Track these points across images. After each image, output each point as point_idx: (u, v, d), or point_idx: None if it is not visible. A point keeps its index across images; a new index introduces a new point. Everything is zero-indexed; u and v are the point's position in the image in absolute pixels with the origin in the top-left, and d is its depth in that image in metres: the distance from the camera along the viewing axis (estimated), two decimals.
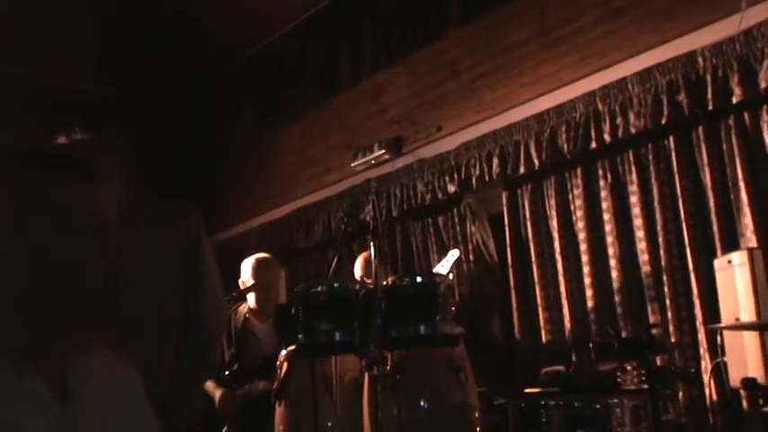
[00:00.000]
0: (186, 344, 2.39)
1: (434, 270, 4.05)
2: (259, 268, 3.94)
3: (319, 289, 2.65)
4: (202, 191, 6.83)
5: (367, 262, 4.10)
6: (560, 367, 3.34)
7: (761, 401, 2.88)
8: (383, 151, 5.21)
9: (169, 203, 2.48)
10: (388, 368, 2.50)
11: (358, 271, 4.18)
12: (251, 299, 3.94)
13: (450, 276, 3.98)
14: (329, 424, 2.67)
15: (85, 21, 6.11)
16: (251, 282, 3.88)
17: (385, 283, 2.63)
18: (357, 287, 2.65)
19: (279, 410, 2.82)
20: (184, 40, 6.43)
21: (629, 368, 2.93)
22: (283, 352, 2.98)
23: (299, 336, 2.63)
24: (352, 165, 5.41)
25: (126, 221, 2.24)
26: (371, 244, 2.91)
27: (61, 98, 5.73)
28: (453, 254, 4.19)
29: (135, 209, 2.38)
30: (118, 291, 1.12)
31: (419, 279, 2.65)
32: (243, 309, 3.95)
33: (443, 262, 4.15)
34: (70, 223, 1.08)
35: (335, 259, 3.19)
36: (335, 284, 2.67)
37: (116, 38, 6.29)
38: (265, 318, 3.88)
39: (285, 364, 2.89)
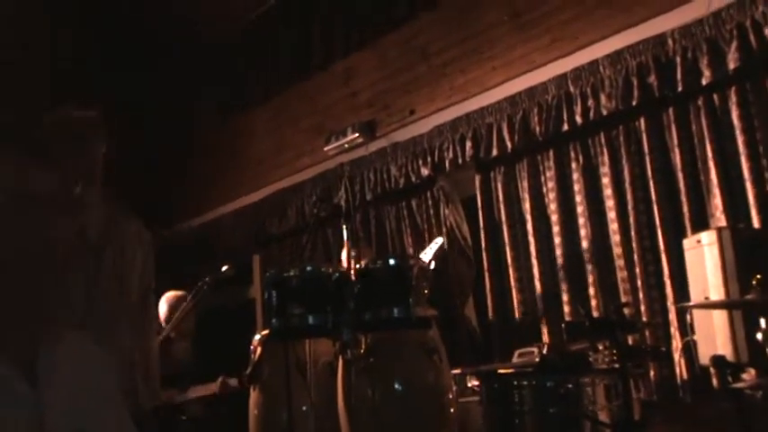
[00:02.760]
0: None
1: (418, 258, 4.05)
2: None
3: (292, 273, 2.63)
4: (172, 176, 6.76)
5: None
6: (533, 348, 3.36)
7: (729, 378, 2.92)
8: (356, 135, 5.19)
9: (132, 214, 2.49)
10: (362, 351, 2.50)
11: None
12: None
13: (432, 264, 3.97)
14: (303, 408, 2.67)
15: None
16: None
17: (358, 266, 2.63)
18: (330, 270, 2.65)
19: (253, 395, 2.81)
20: (153, 22, 6.33)
21: (600, 347, 2.95)
22: (257, 336, 2.98)
23: (272, 320, 2.61)
24: (326, 149, 5.37)
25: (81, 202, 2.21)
26: (344, 228, 2.90)
27: (20, 74, 5.62)
28: (437, 241, 4.19)
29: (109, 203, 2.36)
30: (74, 268, 1.12)
31: (392, 262, 2.64)
32: None
33: (427, 250, 4.15)
34: (20, 202, 1.07)
35: (307, 243, 3.18)
36: (308, 268, 2.65)
37: (80, 18, 6.16)
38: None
39: (259, 349, 2.88)
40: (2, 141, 1.12)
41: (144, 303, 2.44)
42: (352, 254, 2.64)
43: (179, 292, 4.30)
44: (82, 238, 2.21)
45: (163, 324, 4.16)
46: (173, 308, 4.21)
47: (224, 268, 4.06)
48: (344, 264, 3.94)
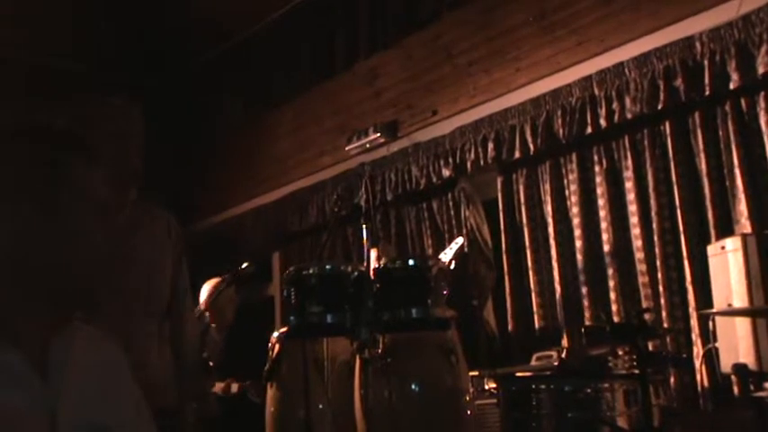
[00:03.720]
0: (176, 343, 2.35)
1: (438, 258, 4.04)
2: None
3: (311, 271, 2.64)
4: (195, 174, 6.80)
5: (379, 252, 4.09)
6: (552, 352, 3.34)
7: (751, 387, 2.88)
8: (378, 134, 5.18)
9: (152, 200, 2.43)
10: (380, 351, 2.50)
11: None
12: None
13: (452, 265, 3.96)
14: (320, 406, 2.67)
15: None
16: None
17: (377, 266, 2.62)
18: (349, 269, 2.65)
19: (270, 392, 2.81)
20: (178, 20, 6.37)
21: (620, 353, 2.93)
22: (275, 334, 2.98)
23: (291, 317, 2.62)
24: (347, 148, 5.38)
25: (124, 203, 2.20)
26: (363, 228, 2.90)
27: (38, 76, 5.68)
28: (457, 241, 4.17)
29: (134, 192, 2.31)
30: (111, 272, 1.13)
31: (411, 262, 2.63)
32: None
33: (447, 250, 4.14)
34: (81, 202, 1.08)
35: (327, 242, 3.18)
36: (327, 266, 2.66)
37: (106, 16, 6.22)
38: None
39: (277, 346, 2.88)
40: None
41: (177, 301, 2.38)
42: (373, 252, 2.64)
43: (220, 278, 4.19)
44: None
45: (202, 309, 4.13)
46: (211, 294, 4.17)
47: (244, 266, 4.07)
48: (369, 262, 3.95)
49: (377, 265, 2.59)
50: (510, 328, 4.44)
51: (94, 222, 1.11)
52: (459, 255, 4.03)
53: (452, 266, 3.90)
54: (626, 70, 3.94)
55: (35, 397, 1.04)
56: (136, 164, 2.23)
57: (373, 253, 3.95)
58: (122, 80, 5.73)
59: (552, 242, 4.28)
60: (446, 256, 3.97)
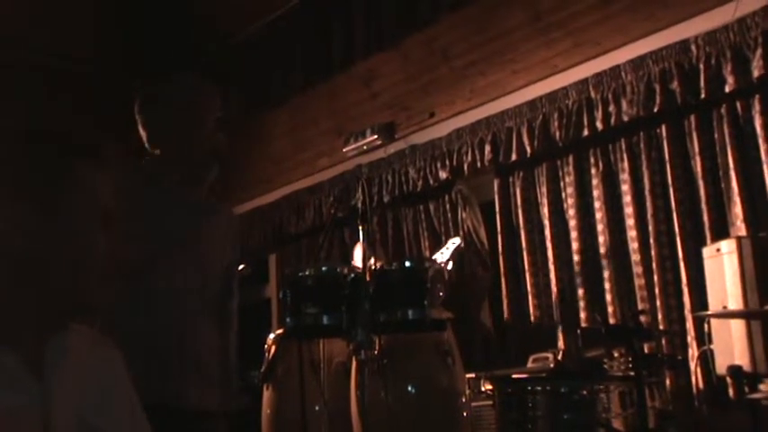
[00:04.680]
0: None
1: (434, 257, 4.04)
2: None
3: (307, 272, 2.64)
4: None
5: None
6: (548, 353, 3.35)
7: (746, 389, 2.89)
8: (375, 137, 5.19)
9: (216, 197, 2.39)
10: (376, 352, 2.50)
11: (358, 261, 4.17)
12: None
13: (450, 265, 3.96)
14: (316, 407, 2.67)
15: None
16: None
17: (373, 267, 2.63)
18: (345, 271, 2.65)
19: (266, 393, 2.82)
20: (170, 22, 6.36)
21: (616, 355, 2.94)
22: (271, 335, 2.99)
23: (287, 319, 2.62)
24: (344, 150, 5.38)
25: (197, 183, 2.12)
26: (360, 229, 2.90)
27: (42, 76, 5.66)
28: (454, 241, 4.17)
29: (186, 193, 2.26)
30: (114, 279, 1.14)
31: (407, 263, 2.64)
32: None
33: (443, 249, 4.14)
34: (83, 204, 1.09)
35: (323, 243, 3.18)
36: (324, 268, 2.66)
37: (106, 16, 6.21)
38: None
39: (273, 347, 2.89)
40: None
41: (224, 298, 2.35)
42: (367, 254, 2.64)
43: None
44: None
45: None
46: None
47: (240, 267, 4.07)
48: (357, 263, 3.95)
49: (370, 267, 2.59)
50: (506, 329, 4.45)
51: (97, 224, 1.11)
52: (456, 255, 4.03)
53: (449, 267, 3.89)
54: (622, 73, 3.96)
55: (32, 398, 1.04)
56: (206, 146, 2.20)
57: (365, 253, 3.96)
58: (123, 80, 5.72)
59: (549, 244, 4.29)
60: (442, 256, 3.98)
